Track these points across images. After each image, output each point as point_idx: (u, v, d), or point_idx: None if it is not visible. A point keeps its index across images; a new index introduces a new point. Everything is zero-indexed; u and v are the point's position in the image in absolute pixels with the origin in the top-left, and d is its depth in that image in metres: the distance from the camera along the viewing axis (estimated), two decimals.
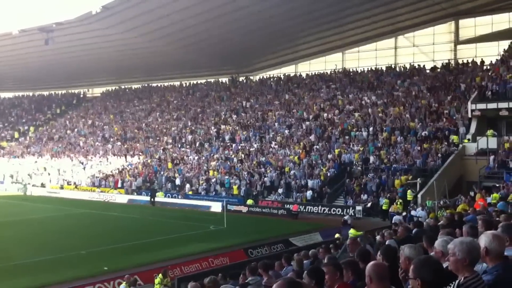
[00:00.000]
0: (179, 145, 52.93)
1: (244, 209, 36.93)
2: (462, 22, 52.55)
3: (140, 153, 53.95)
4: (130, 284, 15.62)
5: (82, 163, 56.01)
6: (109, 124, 65.16)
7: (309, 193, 37.04)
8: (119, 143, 58.39)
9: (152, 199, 42.14)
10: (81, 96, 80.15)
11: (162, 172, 47.81)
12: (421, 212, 25.89)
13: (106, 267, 19.77)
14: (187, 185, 43.86)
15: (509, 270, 3.99)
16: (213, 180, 43.20)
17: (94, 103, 75.53)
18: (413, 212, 26.71)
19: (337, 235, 23.10)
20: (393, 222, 23.02)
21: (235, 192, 40.73)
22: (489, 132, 35.02)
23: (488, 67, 43.58)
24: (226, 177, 42.81)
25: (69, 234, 28.44)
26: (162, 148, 53.50)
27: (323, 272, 4.92)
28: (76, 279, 17.79)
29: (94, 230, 29.95)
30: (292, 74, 61.62)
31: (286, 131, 47.07)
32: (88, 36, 54.05)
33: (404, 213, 27.60)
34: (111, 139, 60.31)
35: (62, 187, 52.22)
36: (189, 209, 38.99)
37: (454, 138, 36.55)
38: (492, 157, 32.76)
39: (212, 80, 67.73)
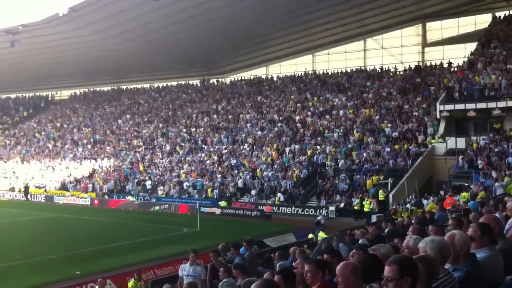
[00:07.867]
0: (150, 148, 52.49)
1: (217, 211, 36.78)
2: (429, 25, 53.57)
3: (111, 156, 53.31)
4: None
5: (52, 167, 55.04)
6: (78, 127, 64.19)
7: (282, 195, 37.19)
8: (89, 146, 57.58)
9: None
10: (49, 98, 78.57)
11: (133, 176, 47.35)
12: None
13: (78, 271, 19.50)
14: (159, 188, 43.54)
15: (477, 266, 4.15)
16: (186, 183, 43.00)
17: (62, 105, 74.19)
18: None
19: (310, 235, 23.29)
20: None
21: (209, 194, 40.60)
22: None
23: (455, 69, 44.46)
24: (199, 179, 42.66)
25: (38, 239, 27.93)
26: (133, 151, 52.98)
27: (293, 273, 5.09)
28: (47, 284, 17.50)
29: (65, 235, 29.46)
30: (263, 76, 61.77)
31: (259, 133, 47.18)
32: (55, 38, 53.17)
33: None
34: (80, 142, 59.43)
35: (26, 191, 50.74)
36: (161, 212, 38.78)
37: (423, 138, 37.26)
38: (460, 157, 33.43)
39: (183, 83, 67.36)
